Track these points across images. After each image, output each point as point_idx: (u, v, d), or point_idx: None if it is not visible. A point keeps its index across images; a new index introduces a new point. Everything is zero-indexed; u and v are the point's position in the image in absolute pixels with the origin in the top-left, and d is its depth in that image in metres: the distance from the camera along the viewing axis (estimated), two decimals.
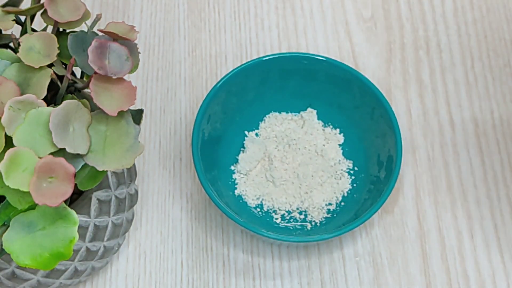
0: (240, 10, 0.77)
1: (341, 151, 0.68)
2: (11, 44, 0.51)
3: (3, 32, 0.52)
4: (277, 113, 0.70)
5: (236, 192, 0.66)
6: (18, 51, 0.47)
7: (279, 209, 0.66)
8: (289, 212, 0.66)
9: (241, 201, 0.66)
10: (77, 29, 0.49)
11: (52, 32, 0.49)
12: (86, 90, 0.49)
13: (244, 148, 0.69)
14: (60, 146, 0.44)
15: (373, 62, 0.74)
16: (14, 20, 0.49)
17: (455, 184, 0.68)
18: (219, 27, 0.76)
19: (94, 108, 0.47)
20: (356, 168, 0.67)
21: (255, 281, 0.64)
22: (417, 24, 0.76)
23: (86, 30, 0.50)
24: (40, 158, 0.43)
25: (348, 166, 0.68)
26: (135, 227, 0.65)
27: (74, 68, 0.48)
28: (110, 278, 0.64)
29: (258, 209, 0.66)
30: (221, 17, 0.77)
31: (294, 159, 0.68)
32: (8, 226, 0.45)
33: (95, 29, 0.50)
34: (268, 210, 0.66)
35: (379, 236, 0.66)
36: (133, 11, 0.77)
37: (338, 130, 0.69)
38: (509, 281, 0.64)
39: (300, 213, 0.66)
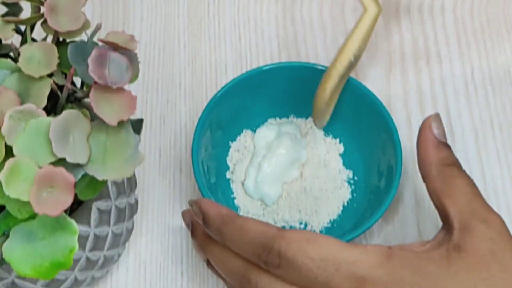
0: (240, 20, 0.77)
1: (341, 160, 0.68)
2: (11, 54, 0.51)
3: (3, 42, 0.52)
4: None
5: (236, 202, 0.66)
6: (18, 61, 0.47)
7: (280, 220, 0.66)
8: (288, 222, 0.65)
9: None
10: (77, 39, 0.49)
11: (52, 42, 0.49)
12: (86, 99, 0.49)
13: None
14: (60, 156, 0.44)
15: (373, 72, 0.74)
16: (14, 29, 0.49)
17: None
18: (219, 37, 0.76)
19: (94, 118, 0.47)
20: (356, 178, 0.67)
21: None
22: (417, 34, 0.77)
23: (86, 39, 0.50)
24: (40, 167, 0.43)
25: (348, 175, 0.68)
26: (135, 236, 0.65)
27: (74, 78, 0.48)
28: None
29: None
30: (221, 27, 0.77)
31: None
32: (8, 236, 0.45)
33: (95, 39, 0.50)
34: (268, 219, 0.66)
35: None
36: (133, 21, 0.77)
37: (338, 139, 0.69)
38: None
39: (300, 222, 0.65)
